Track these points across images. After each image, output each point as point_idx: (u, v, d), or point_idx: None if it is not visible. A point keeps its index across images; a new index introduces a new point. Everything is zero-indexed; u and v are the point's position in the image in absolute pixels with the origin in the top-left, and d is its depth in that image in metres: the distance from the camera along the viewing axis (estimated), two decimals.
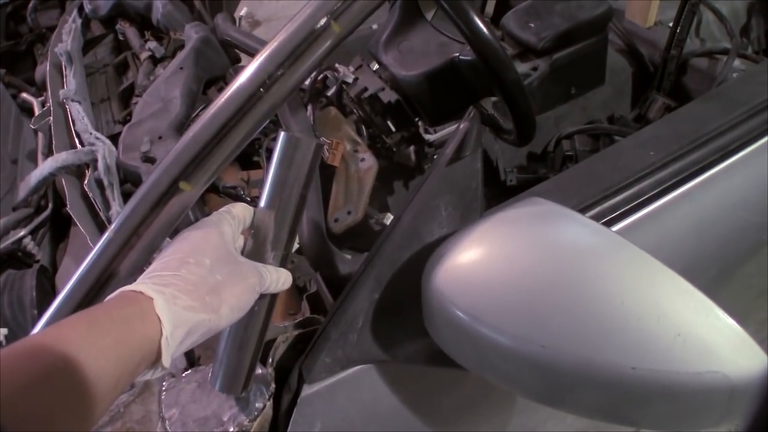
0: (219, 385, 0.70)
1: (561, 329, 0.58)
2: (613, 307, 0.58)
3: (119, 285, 0.67)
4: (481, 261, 0.65)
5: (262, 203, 0.70)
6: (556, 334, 0.58)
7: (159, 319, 0.54)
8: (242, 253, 0.70)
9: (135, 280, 0.59)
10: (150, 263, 0.63)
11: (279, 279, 0.68)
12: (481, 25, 0.95)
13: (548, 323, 0.59)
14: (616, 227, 0.87)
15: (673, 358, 0.56)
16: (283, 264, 0.71)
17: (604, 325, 0.58)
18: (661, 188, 0.90)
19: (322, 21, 0.65)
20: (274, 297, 0.71)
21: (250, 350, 0.70)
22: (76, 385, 0.47)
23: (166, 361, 0.54)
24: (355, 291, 0.75)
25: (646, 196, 0.89)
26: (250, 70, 0.65)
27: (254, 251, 0.69)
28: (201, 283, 0.58)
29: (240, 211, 0.69)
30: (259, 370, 0.78)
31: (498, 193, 1.59)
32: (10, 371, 0.44)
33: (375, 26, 1.65)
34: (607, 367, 0.57)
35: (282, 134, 0.69)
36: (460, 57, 1.17)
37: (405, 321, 0.75)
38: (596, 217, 0.86)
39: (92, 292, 0.68)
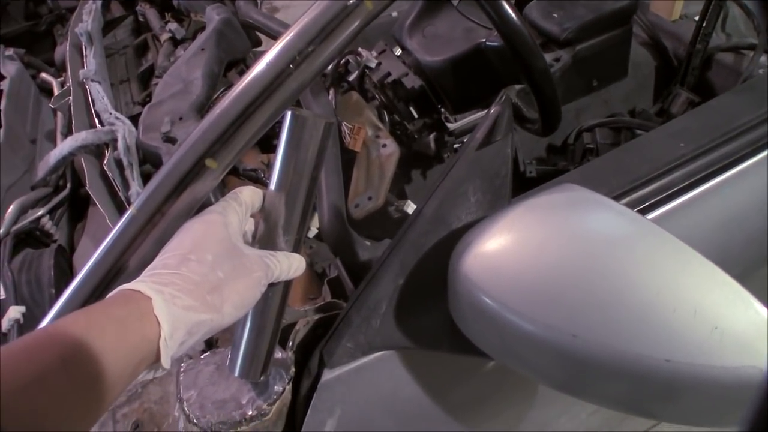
0: (238, 370, 0.69)
1: (593, 319, 0.57)
2: (648, 297, 0.56)
3: (140, 265, 0.67)
4: (511, 247, 0.63)
5: (272, 185, 0.68)
6: (588, 324, 0.57)
7: (157, 320, 0.52)
8: (254, 238, 0.69)
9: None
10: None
11: (291, 266, 0.66)
12: (510, 11, 0.94)
13: (580, 313, 0.57)
14: None
15: (709, 351, 0.54)
16: (296, 248, 0.69)
17: (638, 316, 0.56)
18: (690, 181, 0.89)
19: None
20: (289, 281, 0.69)
21: (267, 335, 0.69)
22: (74, 386, 0.47)
23: (165, 362, 0.53)
24: (380, 276, 0.73)
25: (674, 189, 0.88)
26: (280, 45, 0.64)
27: (266, 236, 0.68)
28: (202, 281, 0.57)
29: (247, 196, 0.67)
30: (278, 354, 0.77)
31: (517, 184, 1.58)
32: (7, 371, 0.44)
33: (395, 14, 1.64)
34: (640, 359, 0.55)
35: (288, 113, 0.66)
36: (487, 43, 1.16)
37: (429, 307, 0.74)
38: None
39: (113, 270, 0.67)
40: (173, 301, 0.54)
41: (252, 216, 0.69)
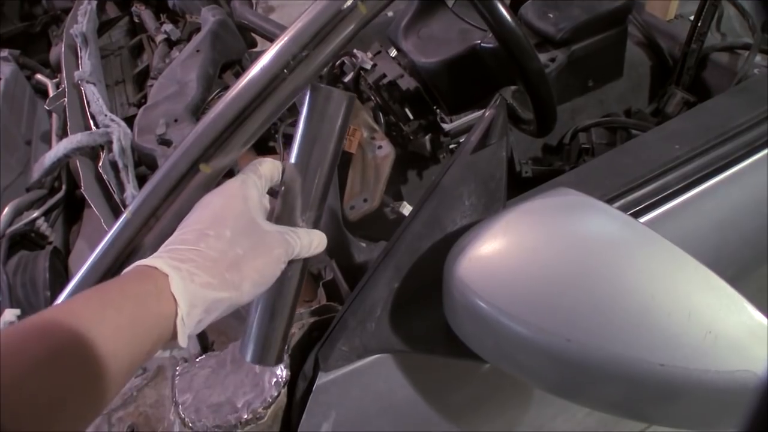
0: (250, 356, 0.66)
1: (588, 323, 0.57)
2: (642, 301, 0.56)
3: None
4: (506, 251, 0.63)
5: (293, 159, 0.66)
6: (582, 328, 0.57)
7: (174, 298, 0.51)
8: (271, 213, 0.66)
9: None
10: None
11: (311, 243, 0.64)
12: (505, 12, 0.93)
13: (575, 317, 0.57)
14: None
15: (703, 355, 0.54)
16: (315, 225, 0.67)
17: (632, 320, 0.56)
18: (685, 183, 0.89)
19: (349, 1, 0.64)
20: (306, 261, 0.67)
21: (283, 319, 0.66)
22: (87, 365, 0.45)
23: (182, 341, 0.52)
24: (375, 279, 0.73)
25: (670, 191, 0.88)
26: (274, 50, 0.64)
27: (284, 212, 0.66)
28: (221, 258, 0.55)
29: (267, 168, 0.65)
30: None
31: (512, 184, 1.57)
32: (17, 351, 0.43)
33: (390, 14, 1.64)
34: (634, 363, 0.55)
35: (311, 86, 0.65)
36: (482, 44, 1.15)
37: (424, 311, 0.74)
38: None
39: (109, 274, 0.67)
40: (191, 278, 0.53)
41: (269, 192, 0.67)
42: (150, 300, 0.51)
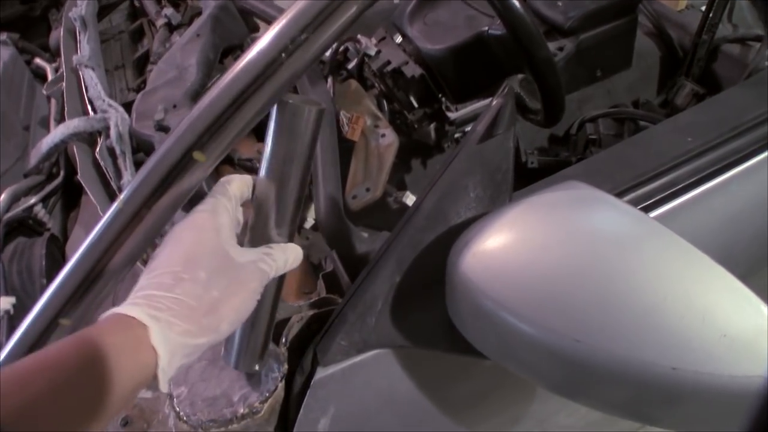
0: (233, 362, 0.69)
1: (597, 323, 0.55)
2: (655, 302, 0.54)
3: (128, 259, 0.65)
4: (512, 247, 0.61)
5: (263, 173, 0.65)
6: (592, 328, 0.55)
7: (154, 348, 0.51)
8: (246, 227, 0.66)
9: (129, 295, 0.56)
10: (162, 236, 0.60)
11: (287, 260, 0.63)
12: None
13: (584, 317, 0.55)
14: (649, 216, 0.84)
15: (716, 360, 0.52)
16: (290, 239, 0.66)
17: (644, 321, 0.54)
18: (697, 177, 0.86)
19: None
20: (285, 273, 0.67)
21: (262, 326, 0.68)
22: (66, 414, 0.46)
23: (163, 386, 0.53)
24: (375, 272, 0.71)
25: (681, 185, 0.85)
26: (271, 33, 0.61)
27: (258, 226, 0.65)
28: (198, 305, 0.55)
29: (237, 187, 0.64)
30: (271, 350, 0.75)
31: (518, 175, 1.55)
32: None
33: (397, 0, 1.61)
34: (645, 366, 0.53)
35: (278, 101, 0.63)
36: (489, 31, 1.13)
37: (426, 306, 0.72)
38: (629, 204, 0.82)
39: (100, 266, 0.64)
40: (170, 328, 0.53)
41: (242, 205, 0.66)
42: (129, 351, 0.51)
